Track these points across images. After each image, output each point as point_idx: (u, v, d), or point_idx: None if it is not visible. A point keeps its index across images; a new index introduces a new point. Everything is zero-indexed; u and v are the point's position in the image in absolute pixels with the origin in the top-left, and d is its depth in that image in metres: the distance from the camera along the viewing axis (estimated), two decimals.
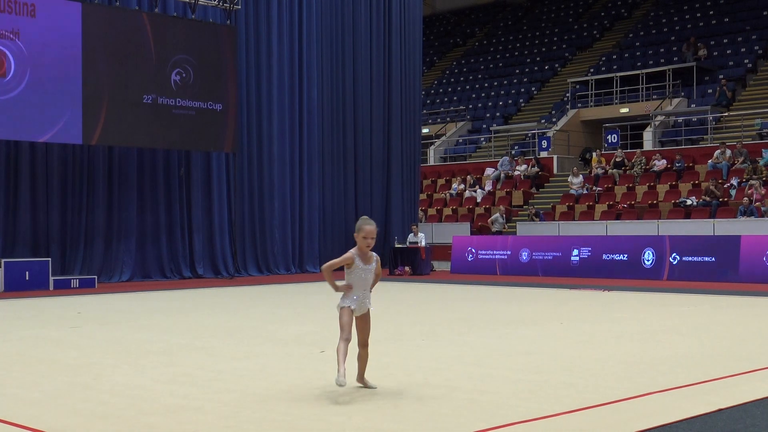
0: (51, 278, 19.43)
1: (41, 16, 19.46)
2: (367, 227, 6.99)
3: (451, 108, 39.73)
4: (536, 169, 30.81)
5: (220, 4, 22.85)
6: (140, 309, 14.94)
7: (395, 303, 15.92)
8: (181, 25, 22.01)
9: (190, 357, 9.07)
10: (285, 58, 25.09)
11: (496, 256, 24.03)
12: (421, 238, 24.46)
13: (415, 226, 25.15)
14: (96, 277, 20.37)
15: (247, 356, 9.07)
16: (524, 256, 23.49)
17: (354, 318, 6.92)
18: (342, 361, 6.67)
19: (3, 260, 19.00)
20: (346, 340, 6.81)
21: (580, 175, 28.67)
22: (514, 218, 27.76)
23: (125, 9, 21.40)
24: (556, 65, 39.97)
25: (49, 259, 19.84)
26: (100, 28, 20.40)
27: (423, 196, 31.66)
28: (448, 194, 31.75)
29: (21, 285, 18.86)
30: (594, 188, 27.95)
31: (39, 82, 19.36)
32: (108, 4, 21.21)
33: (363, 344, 7.03)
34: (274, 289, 19.74)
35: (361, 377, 7.11)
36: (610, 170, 28.60)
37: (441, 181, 33.50)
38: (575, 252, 22.64)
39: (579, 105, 34.66)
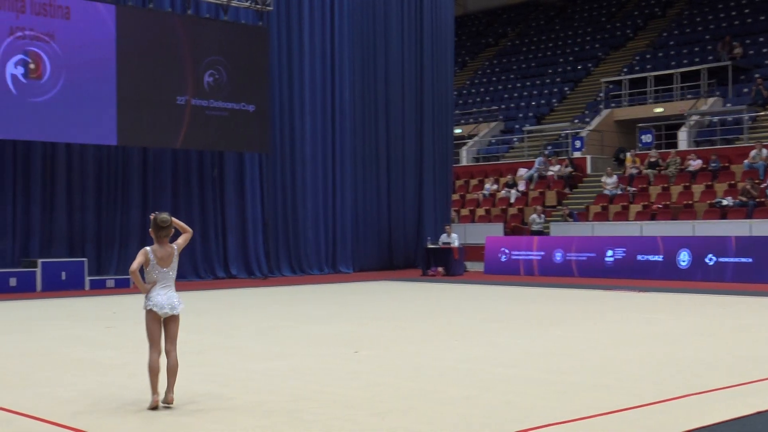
0: (87, 278, 19.60)
1: (76, 18, 19.63)
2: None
3: (484, 108, 39.60)
4: (569, 169, 30.64)
5: (252, 5, 22.93)
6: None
7: (428, 304, 15.90)
8: (213, 27, 22.12)
9: (223, 357, 9.11)
10: (317, 59, 25.13)
11: (530, 257, 23.93)
12: (454, 239, 24.40)
13: (448, 227, 25.08)
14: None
15: (280, 356, 9.10)
16: (558, 256, 23.37)
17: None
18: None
19: (40, 260, 19.20)
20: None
21: (614, 176, 28.48)
22: (547, 219, 27.63)
23: (159, 11, 21.54)
24: (590, 65, 39.73)
25: (85, 259, 20.02)
26: (134, 30, 20.55)
27: (456, 197, 31.59)
28: (481, 195, 31.66)
29: (57, 285, 19.04)
30: (628, 188, 27.75)
31: (74, 84, 19.53)
32: (142, 7, 21.36)
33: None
34: (307, 289, 19.78)
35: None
36: (645, 170, 28.38)
37: (474, 182, 33.41)
38: (609, 253, 22.48)
39: (612, 105, 34.41)
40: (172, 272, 6.73)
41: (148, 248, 6.66)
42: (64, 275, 19.21)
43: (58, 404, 6.66)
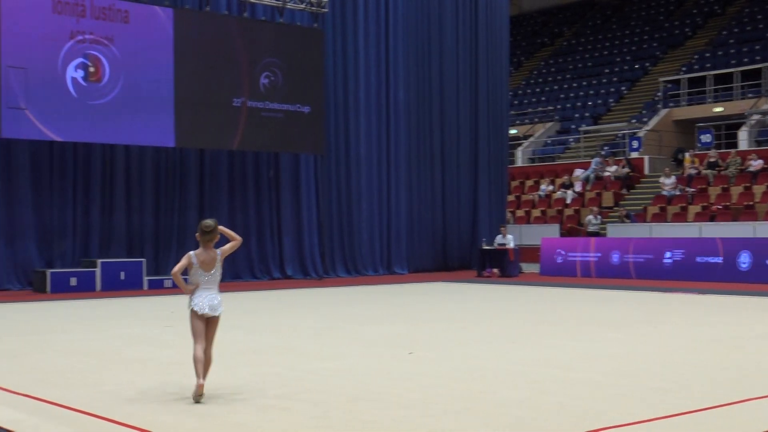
0: (145, 278, 19.87)
1: (134, 22, 19.92)
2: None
3: (539, 108, 39.34)
4: (627, 169, 30.30)
5: (308, 7, 23.05)
6: (230, 309, 15.13)
7: (483, 305, 15.84)
8: (269, 29, 22.28)
9: (279, 357, 9.17)
10: (372, 60, 25.19)
11: (586, 258, 23.70)
12: (510, 240, 24.27)
13: (503, 228, 24.96)
14: (188, 277, 20.68)
15: (335, 357, 9.13)
16: (615, 258, 23.12)
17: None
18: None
19: (99, 261, 19.50)
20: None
21: (673, 176, 28.09)
22: (604, 220, 27.34)
23: (215, 14, 21.75)
24: (647, 64, 39.24)
25: (143, 259, 20.30)
26: (191, 32, 20.78)
27: (511, 198, 31.41)
28: (536, 196, 31.45)
29: (116, 285, 19.33)
30: (687, 189, 27.34)
31: (132, 87, 19.81)
32: (199, 9, 21.60)
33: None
34: (361, 290, 19.82)
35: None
36: (704, 171, 27.95)
37: (529, 183, 33.19)
38: (668, 254, 22.17)
39: (671, 104, 33.94)
40: (215, 276, 7.08)
41: (192, 252, 7.05)
42: (122, 275, 19.49)
43: (118, 402, 6.77)
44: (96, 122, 19.28)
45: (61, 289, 18.51)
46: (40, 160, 20.06)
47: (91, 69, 19.25)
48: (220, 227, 7.13)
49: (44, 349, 9.86)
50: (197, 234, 7.07)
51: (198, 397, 6.79)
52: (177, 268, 7.01)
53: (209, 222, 7.05)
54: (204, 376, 6.90)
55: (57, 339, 10.88)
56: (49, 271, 18.77)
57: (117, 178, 21.10)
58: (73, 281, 18.88)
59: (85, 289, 18.88)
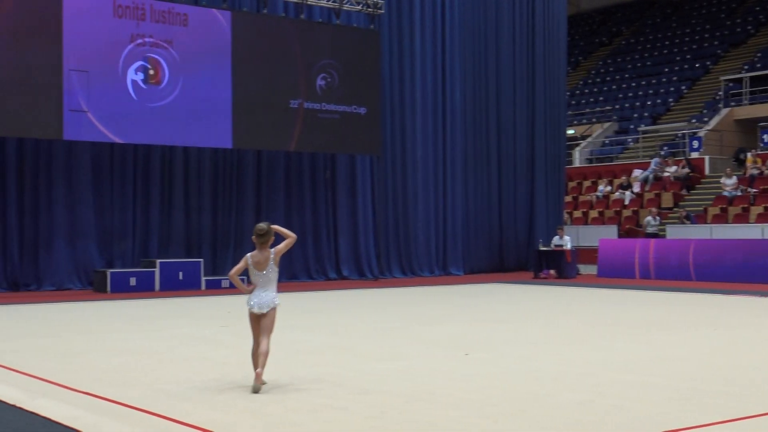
0: (203, 278, 20.06)
1: (193, 24, 20.14)
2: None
3: (597, 108, 38.95)
4: (687, 170, 29.86)
5: (364, 9, 23.09)
6: (287, 309, 15.21)
7: (539, 306, 15.71)
8: (326, 31, 22.36)
9: (335, 357, 9.19)
10: (428, 61, 25.15)
11: (645, 260, 23.38)
12: (567, 241, 24.05)
13: (560, 229, 24.73)
14: (245, 277, 20.83)
15: (391, 357, 9.12)
16: (674, 259, 22.77)
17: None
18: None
19: (158, 261, 19.74)
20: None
21: (734, 177, 27.61)
22: (663, 221, 26.98)
23: (272, 16, 21.89)
24: (708, 63, 38.63)
25: (201, 259, 20.49)
26: (248, 35, 20.96)
27: (568, 199, 31.14)
28: (594, 196, 31.14)
29: (175, 285, 19.54)
30: (749, 190, 26.85)
31: (191, 89, 20.03)
32: (256, 12, 21.76)
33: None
34: (417, 290, 19.79)
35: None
36: (766, 171, 27.42)
37: (587, 183, 32.88)
38: (729, 256, 21.78)
39: (732, 103, 33.37)
40: (269, 275, 7.48)
41: (248, 254, 7.51)
42: (181, 275, 19.70)
43: (175, 400, 6.83)
44: (155, 124, 19.53)
45: (121, 289, 18.77)
46: (101, 162, 20.38)
47: (151, 72, 19.51)
48: (275, 227, 7.54)
49: (103, 348, 10.00)
50: (253, 237, 7.44)
51: (257, 387, 7.13)
52: (234, 270, 7.51)
53: (262, 225, 7.46)
54: (262, 367, 7.25)
55: (116, 338, 11.02)
56: (109, 271, 19.05)
57: (176, 179, 21.34)
58: (133, 281, 19.13)
59: (144, 288, 19.12)
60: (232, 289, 19.88)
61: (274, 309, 7.45)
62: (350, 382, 7.64)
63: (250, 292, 7.49)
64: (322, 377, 7.87)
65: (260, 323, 7.39)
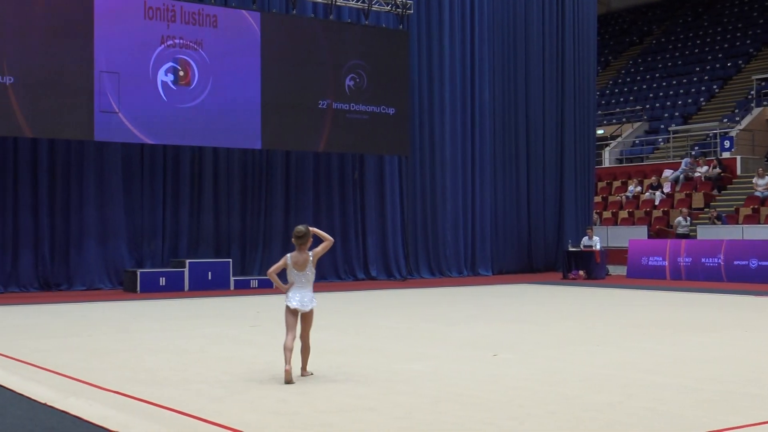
0: (232, 278, 20.15)
1: (222, 26, 20.24)
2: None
3: (627, 108, 38.71)
4: (718, 170, 29.61)
5: (393, 9, 23.09)
6: (316, 310, 15.24)
7: (568, 307, 15.64)
8: (354, 31, 22.39)
9: (364, 357, 9.19)
10: (457, 61, 25.12)
11: (675, 261, 23.20)
12: (596, 242, 23.92)
13: (590, 230, 24.61)
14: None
15: (420, 358, 9.11)
16: (705, 260, 22.59)
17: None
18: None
19: (188, 261, 19.85)
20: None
21: (766, 177, 27.34)
22: (694, 221, 26.78)
23: (301, 17, 21.95)
24: (740, 61, 38.27)
25: (230, 260, 20.59)
26: (277, 36, 21.03)
27: (598, 199, 30.97)
28: (624, 197, 30.95)
29: (204, 285, 19.65)
30: None
31: (220, 90, 20.14)
32: (285, 13, 21.83)
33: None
34: (446, 291, 19.77)
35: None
36: None
37: (617, 184, 32.69)
38: (761, 257, 21.56)
39: (765, 103, 33.03)
40: (308, 275, 7.88)
41: (288, 255, 7.89)
42: (210, 275, 19.81)
43: (205, 400, 6.86)
44: (185, 125, 19.65)
45: (151, 289, 18.90)
46: (131, 163, 20.54)
47: (181, 73, 19.63)
48: (314, 229, 7.98)
49: (133, 347, 10.07)
50: (293, 239, 7.84)
51: (288, 380, 7.53)
52: (273, 268, 7.89)
53: (300, 228, 7.85)
54: (305, 364, 7.92)
55: (146, 337, 11.10)
56: (139, 271, 19.19)
57: (205, 179, 21.46)
58: (162, 281, 19.26)
59: (173, 288, 19.24)
60: (260, 289, 19.99)
61: (312, 308, 7.89)
62: (378, 382, 7.64)
63: (287, 290, 7.88)
64: (351, 377, 7.88)
65: (302, 321, 7.85)
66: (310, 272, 7.86)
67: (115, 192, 20.23)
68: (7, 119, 17.81)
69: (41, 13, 18.12)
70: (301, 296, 7.81)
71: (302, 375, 7.85)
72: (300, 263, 7.80)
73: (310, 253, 7.86)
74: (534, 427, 5.92)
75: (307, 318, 7.86)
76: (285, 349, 7.66)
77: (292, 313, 7.81)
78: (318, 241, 7.90)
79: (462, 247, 25.11)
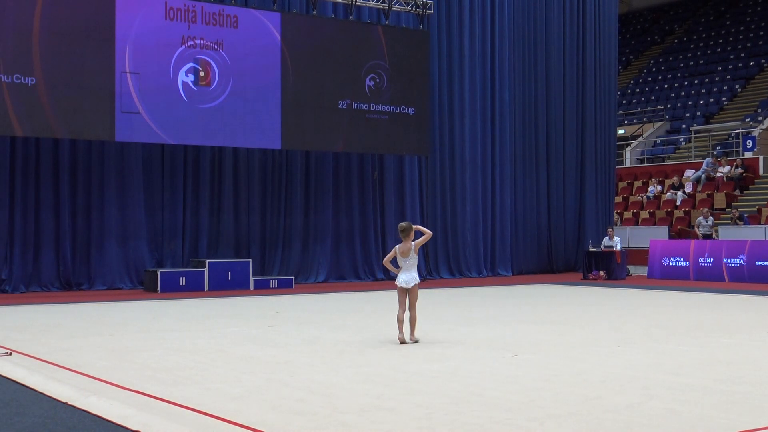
0: (251, 278, 20.20)
1: (243, 26, 20.30)
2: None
3: (649, 108, 38.53)
4: (740, 170, 29.42)
5: (413, 9, 23.08)
6: (335, 309, 15.28)
7: (589, 308, 15.58)
8: (374, 31, 22.40)
9: (384, 357, 9.19)
10: (477, 61, 25.08)
11: (697, 262, 23.07)
12: (617, 242, 23.82)
13: (610, 230, 24.51)
14: (293, 277, 21.02)
15: (440, 358, 9.10)
16: (727, 261, 22.44)
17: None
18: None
19: (208, 261, 19.91)
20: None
21: None
22: (715, 222, 26.62)
23: (321, 17, 21.98)
24: (763, 61, 38.00)
25: (250, 260, 20.64)
26: (297, 36, 21.06)
27: (618, 199, 30.85)
28: (644, 197, 30.80)
29: (224, 284, 19.71)
30: None
31: (240, 90, 20.19)
32: (305, 14, 21.86)
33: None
34: (465, 291, 19.73)
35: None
36: None
37: (637, 184, 32.54)
38: None
39: None
40: (411, 261, 10.14)
41: (396, 246, 10.21)
42: (230, 275, 19.86)
43: (225, 400, 6.88)
44: (205, 125, 19.72)
45: (171, 289, 18.98)
46: (152, 163, 20.62)
47: (201, 73, 19.70)
48: (416, 226, 10.26)
49: (153, 347, 10.11)
50: (399, 233, 10.20)
51: (402, 341, 9.99)
52: (387, 257, 10.25)
53: (403, 224, 10.18)
54: (412, 331, 10.22)
55: (166, 337, 11.13)
56: (159, 271, 19.27)
57: (225, 180, 21.52)
58: (183, 281, 19.33)
59: (193, 288, 19.31)
60: (280, 289, 20.04)
61: (417, 284, 10.13)
62: (398, 382, 7.63)
63: (398, 273, 10.11)
64: (370, 378, 7.87)
65: (409, 295, 10.10)
66: (413, 258, 10.09)
67: (135, 192, 20.33)
68: (38, 120, 17.95)
69: (63, 15, 18.21)
70: (406, 277, 10.04)
71: (410, 340, 10.06)
72: (405, 251, 10.08)
73: (413, 243, 10.09)
74: (554, 427, 5.90)
75: (412, 292, 10.08)
76: (398, 320, 10.06)
77: (401, 290, 10.03)
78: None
79: (482, 247, 25.06)
